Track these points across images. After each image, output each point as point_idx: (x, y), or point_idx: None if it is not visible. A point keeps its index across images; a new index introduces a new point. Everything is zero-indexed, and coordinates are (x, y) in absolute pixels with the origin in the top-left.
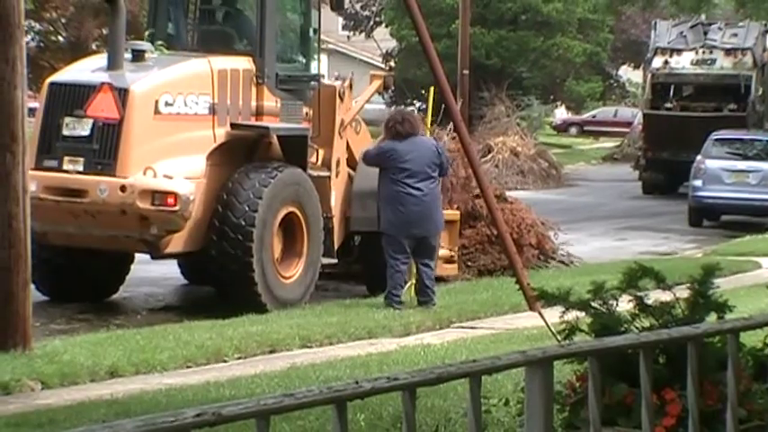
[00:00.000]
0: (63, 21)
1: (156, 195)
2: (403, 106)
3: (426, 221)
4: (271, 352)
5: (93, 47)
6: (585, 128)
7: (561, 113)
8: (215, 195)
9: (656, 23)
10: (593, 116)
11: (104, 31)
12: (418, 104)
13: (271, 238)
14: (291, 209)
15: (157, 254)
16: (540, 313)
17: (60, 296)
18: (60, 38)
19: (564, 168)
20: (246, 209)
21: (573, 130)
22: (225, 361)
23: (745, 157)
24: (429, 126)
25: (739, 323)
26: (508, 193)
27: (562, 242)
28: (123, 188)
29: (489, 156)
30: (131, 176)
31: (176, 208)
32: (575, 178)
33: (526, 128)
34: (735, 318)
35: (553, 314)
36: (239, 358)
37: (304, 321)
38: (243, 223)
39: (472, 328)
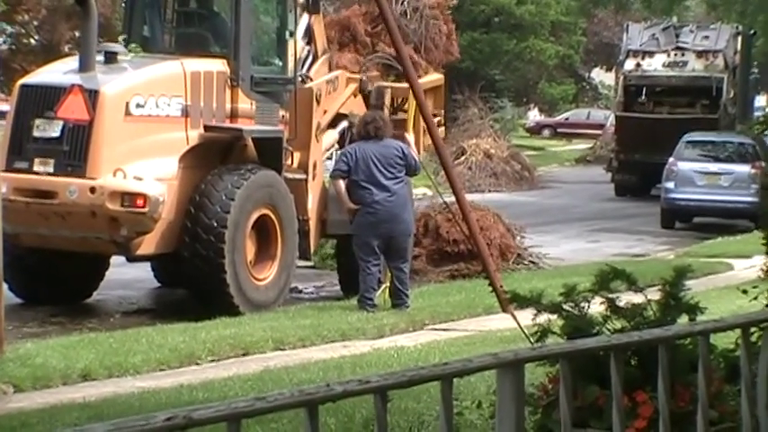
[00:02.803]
0: (35, 23)
1: (126, 197)
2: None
3: (394, 221)
4: (244, 355)
5: (66, 49)
6: (558, 130)
7: (534, 116)
8: (188, 197)
9: (628, 26)
10: (566, 118)
11: (77, 34)
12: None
13: (243, 240)
14: (265, 211)
15: (129, 255)
16: (513, 315)
17: (35, 299)
18: (32, 40)
19: (537, 170)
20: (219, 210)
21: (546, 132)
22: (198, 364)
23: (717, 159)
24: (412, 129)
25: (710, 325)
26: (481, 197)
27: (534, 245)
28: (93, 189)
29: (463, 158)
30: (101, 178)
31: (146, 209)
32: (548, 180)
33: (499, 130)
34: (706, 320)
35: (526, 316)
36: (212, 361)
37: (277, 324)
38: (215, 224)
39: (446, 330)
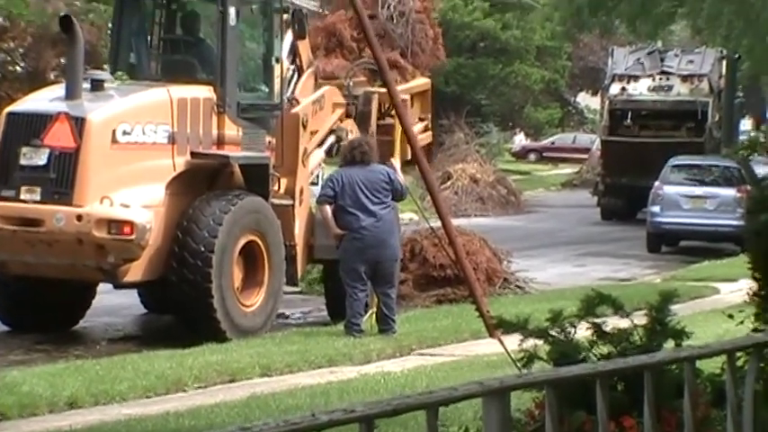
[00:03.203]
0: (21, 51)
1: (113, 224)
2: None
3: (381, 247)
4: (231, 381)
5: (52, 77)
6: (544, 154)
7: (520, 140)
8: (175, 224)
9: (613, 50)
10: (552, 143)
11: (62, 61)
12: None
13: (230, 266)
14: (252, 237)
15: (116, 282)
16: (500, 340)
17: (21, 326)
18: (18, 68)
19: (523, 195)
20: (206, 235)
21: (532, 156)
22: (185, 391)
23: (703, 183)
24: (398, 155)
25: (695, 351)
26: (467, 222)
27: (521, 269)
28: (79, 217)
29: (449, 183)
30: (88, 205)
31: (133, 237)
32: (534, 204)
33: (485, 155)
34: (692, 345)
35: (513, 340)
36: (199, 388)
37: (264, 350)
38: (202, 249)
39: (433, 355)
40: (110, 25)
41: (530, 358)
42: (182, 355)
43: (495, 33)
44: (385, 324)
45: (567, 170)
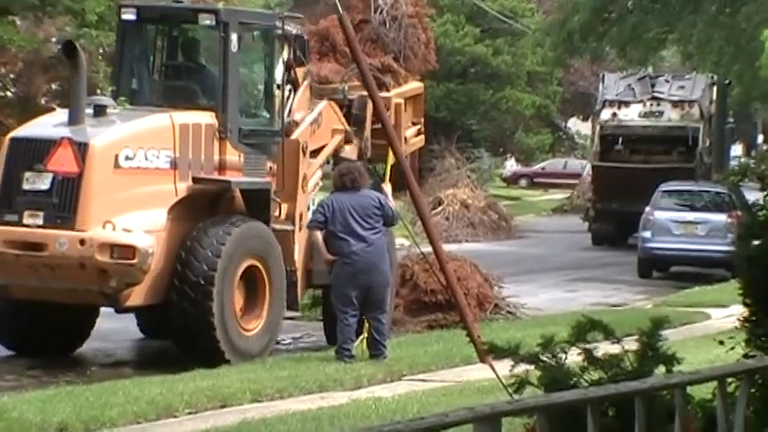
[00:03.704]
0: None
1: (116, 249)
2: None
3: (372, 272)
4: (222, 407)
5: (43, 102)
6: (535, 180)
7: (511, 165)
8: (177, 248)
9: (604, 76)
10: (543, 168)
11: (53, 86)
12: None
13: (232, 290)
14: (253, 262)
15: (118, 307)
16: (491, 366)
17: (25, 350)
18: (9, 93)
19: (514, 220)
20: (208, 256)
21: (523, 181)
22: (175, 416)
23: (694, 209)
24: (389, 179)
25: (686, 377)
26: (458, 247)
27: (512, 294)
28: (82, 242)
29: (440, 208)
30: (90, 230)
31: (135, 261)
32: (525, 230)
33: (476, 180)
34: (683, 371)
35: (505, 366)
36: (190, 413)
37: (255, 375)
38: (204, 271)
39: (424, 380)
40: (101, 50)
41: (521, 384)
42: (172, 381)
43: (486, 59)
44: (376, 349)
45: (557, 195)
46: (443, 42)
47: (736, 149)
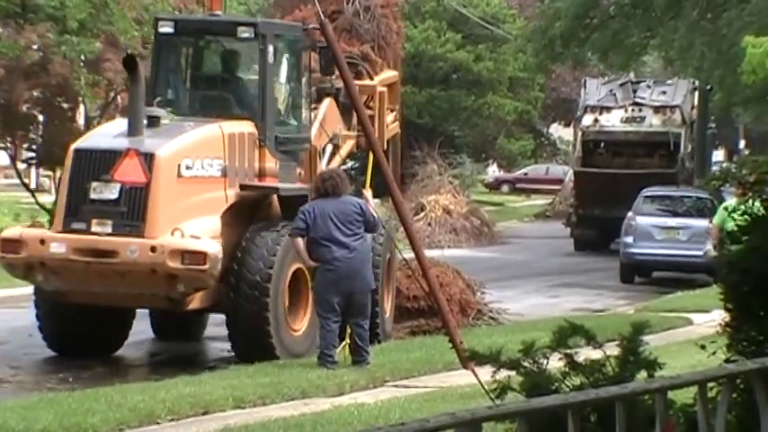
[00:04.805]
0: None
1: (186, 255)
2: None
3: (354, 278)
4: (204, 413)
5: (24, 109)
6: (517, 185)
7: (493, 171)
8: (230, 252)
9: (585, 82)
10: (525, 174)
11: (35, 94)
12: (350, 163)
13: (283, 294)
14: (299, 265)
15: (180, 310)
16: (474, 371)
17: (69, 353)
18: None
19: (496, 226)
20: (262, 266)
21: (505, 187)
22: (158, 423)
23: (675, 214)
24: (369, 186)
25: (667, 382)
26: (440, 253)
27: (494, 300)
28: (153, 249)
29: (422, 214)
30: (160, 237)
31: (206, 267)
32: (507, 236)
33: (458, 186)
34: (664, 376)
35: (487, 371)
36: (172, 420)
37: (237, 382)
38: (258, 279)
39: (406, 386)
40: (83, 57)
41: (503, 389)
42: (155, 388)
43: (467, 65)
44: (358, 355)
45: (539, 201)
46: (425, 49)
47: (718, 154)
